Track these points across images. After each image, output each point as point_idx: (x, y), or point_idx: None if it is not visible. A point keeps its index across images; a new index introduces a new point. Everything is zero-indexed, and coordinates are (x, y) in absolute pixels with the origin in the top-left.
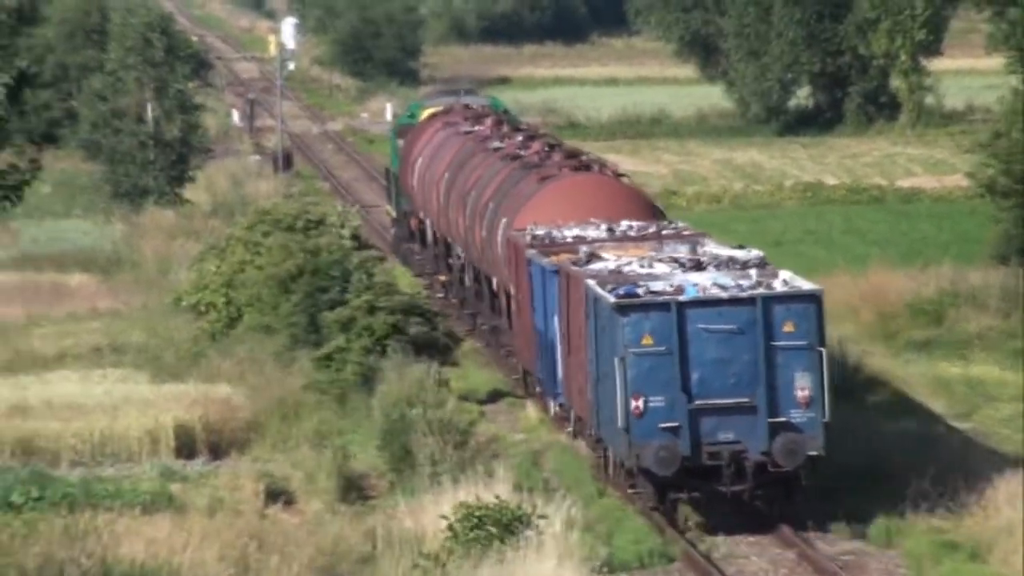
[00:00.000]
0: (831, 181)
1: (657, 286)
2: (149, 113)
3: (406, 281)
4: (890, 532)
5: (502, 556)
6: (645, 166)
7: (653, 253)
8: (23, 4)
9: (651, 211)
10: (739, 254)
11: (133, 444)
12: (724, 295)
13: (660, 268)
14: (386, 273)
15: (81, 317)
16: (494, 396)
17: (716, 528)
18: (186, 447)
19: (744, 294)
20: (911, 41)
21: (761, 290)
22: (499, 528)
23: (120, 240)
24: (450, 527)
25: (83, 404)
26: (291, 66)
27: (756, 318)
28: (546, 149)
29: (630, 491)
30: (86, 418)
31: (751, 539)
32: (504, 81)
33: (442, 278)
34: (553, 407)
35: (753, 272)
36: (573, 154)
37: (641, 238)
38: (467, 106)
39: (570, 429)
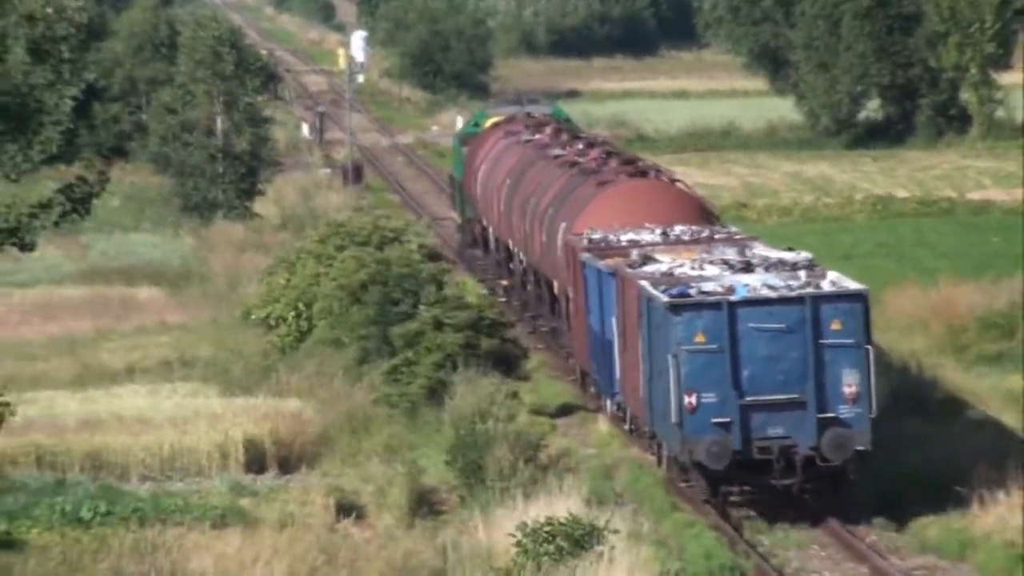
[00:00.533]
0: (901, 194)
1: (708, 286)
2: (219, 126)
3: (476, 293)
4: (962, 545)
5: (572, 570)
6: (715, 179)
7: (705, 255)
8: (92, 19)
9: (705, 216)
10: (788, 256)
11: (202, 458)
12: (774, 295)
13: (711, 270)
14: (456, 285)
15: (150, 331)
16: (565, 410)
17: (787, 540)
18: (256, 461)
19: (793, 293)
20: (981, 54)
21: (810, 289)
22: (570, 543)
23: (189, 254)
24: (519, 543)
25: (152, 418)
26: (360, 79)
27: (805, 317)
28: (604, 156)
29: (683, 484)
30: (155, 432)
31: (823, 553)
32: (574, 94)
33: (504, 282)
34: (610, 406)
35: (802, 273)
36: (630, 160)
37: (693, 242)
38: (529, 115)
39: (628, 427)
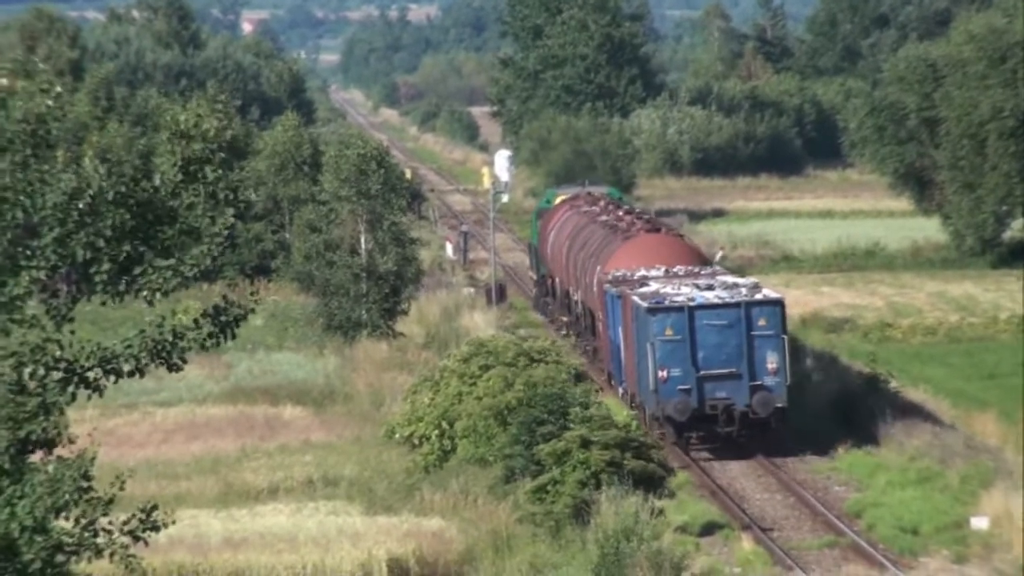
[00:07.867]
0: None
1: (678, 298)
2: (363, 245)
3: (622, 414)
4: None
5: None
6: (860, 299)
7: (687, 282)
8: (237, 137)
9: (700, 259)
10: (740, 280)
11: None
12: (720, 302)
13: (685, 290)
14: (602, 407)
15: (293, 450)
16: (710, 528)
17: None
18: None
19: (733, 301)
20: None
21: (744, 298)
22: None
23: (333, 373)
24: None
25: (295, 537)
26: (505, 198)
27: (740, 316)
28: (633, 220)
29: (657, 433)
30: (298, 551)
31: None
32: (719, 213)
33: (564, 318)
34: (620, 390)
35: (744, 289)
36: (650, 221)
37: (686, 275)
38: (589, 193)
39: (630, 403)
